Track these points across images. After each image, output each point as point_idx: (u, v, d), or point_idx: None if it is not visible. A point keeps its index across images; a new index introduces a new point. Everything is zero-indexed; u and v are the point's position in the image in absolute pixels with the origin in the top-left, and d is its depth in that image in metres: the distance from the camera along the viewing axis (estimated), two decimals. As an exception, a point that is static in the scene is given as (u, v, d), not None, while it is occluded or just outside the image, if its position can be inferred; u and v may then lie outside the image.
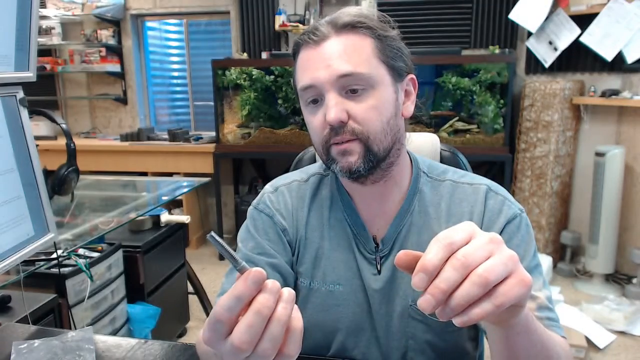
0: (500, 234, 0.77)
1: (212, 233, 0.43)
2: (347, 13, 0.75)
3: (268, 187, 0.91)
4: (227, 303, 0.41)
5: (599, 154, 3.02)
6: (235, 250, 0.85)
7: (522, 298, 0.44)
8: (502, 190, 0.83)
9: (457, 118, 3.25)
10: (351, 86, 0.73)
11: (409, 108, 0.80)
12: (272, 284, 0.43)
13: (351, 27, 0.74)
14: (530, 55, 3.45)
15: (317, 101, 0.76)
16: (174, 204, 3.80)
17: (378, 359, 0.83)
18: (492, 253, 0.43)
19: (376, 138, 0.74)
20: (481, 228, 0.78)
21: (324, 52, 0.74)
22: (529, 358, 0.59)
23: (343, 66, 0.72)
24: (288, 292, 0.44)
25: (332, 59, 0.73)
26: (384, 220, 0.82)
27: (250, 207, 0.89)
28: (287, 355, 0.43)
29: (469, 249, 0.43)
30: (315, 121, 0.76)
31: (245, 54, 3.77)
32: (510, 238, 0.77)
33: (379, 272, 0.81)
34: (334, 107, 0.72)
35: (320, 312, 0.84)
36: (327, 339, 0.84)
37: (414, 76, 0.81)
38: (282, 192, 0.88)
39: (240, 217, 3.81)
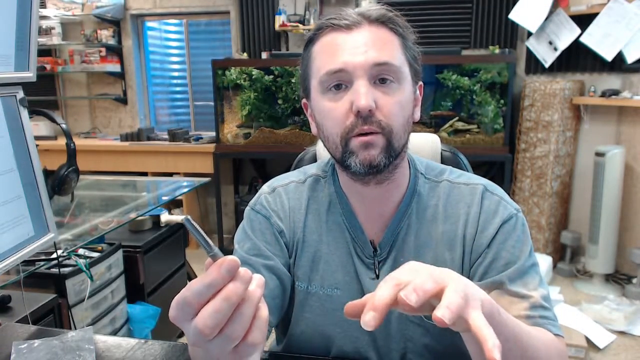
0: (496, 234, 0.77)
1: (188, 217, 0.43)
2: (376, 8, 0.75)
3: (265, 187, 0.89)
4: (198, 288, 0.41)
5: (599, 154, 3.02)
6: (232, 251, 0.85)
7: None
8: (498, 190, 0.82)
9: (457, 118, 3.25)
10: (382, 75, 0.72)
11: (417, 113, 0.80)
12: (244, 272, 0.42)
13: (382, 22, 0.74)
14: (530, 55, 3.45)
15: (340, 87, 0.73)
16: (174, 204, 3.80)
17: None
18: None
19: (397, 133, 0.73)
20: (477, 228, 0.78)
21: (359, 38, 0.72)
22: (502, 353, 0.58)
23: (380, 54, 0.71)
24: (259, 277, 0.44)
25: (368, 45, 0.72)
26: (381, 224, 0.82)
27: (247, 208, 0.88)
28: (251, 343, 0.43)
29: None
30: (337, 109, 0.73)
31: (245, 54, 3.77)
32: (506, 239, 0.77)
33: (377, 276, 0.80)
34: (366, 94, 0.70)
35: (318, 316, 0.83)
36: (326, 343, 0.83)
37: (422, 83, 0.81)
38: (279, 193, 0.87)
39: (240, 217, 3.81)
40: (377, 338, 0.82)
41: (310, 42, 0.78)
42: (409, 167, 0.84)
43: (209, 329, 0.40)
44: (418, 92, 0.81)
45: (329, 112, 0.74)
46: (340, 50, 0.73)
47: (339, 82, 0.73)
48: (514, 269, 0.74)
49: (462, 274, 0.77)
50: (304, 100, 0.84)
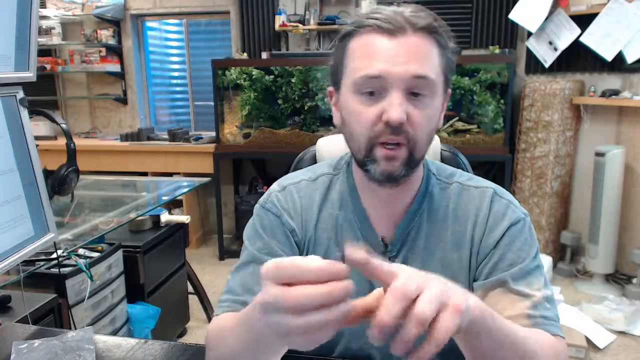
0: (503, 236, 0.78)
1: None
2: (425, 15, 0.73)
3: (275, 185, 0.89)
4: (299, 265, 0.46)
5: (599, 154, 3.02)
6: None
7: (459, 324, 0.48)
8: (507, 194, 0.84)
9: (457, 118, 3.25)
10: (416, 89, 0.71)
11: (441, 120, 0.81)
12: (346, 286, 0.47)
13: (427, 30, 0.72)
14: (530, 55, 3.45)
15: (374, 94, 0.72)
16: (174, 204, 3.80)
17: (383, 357, 0.83)
18: (421, 289, 0.48)
19: (421, 145, 0.74)
20: (485, 230, 0.79)
21: (402, 47, 0.71)
22: (497, 357, 0.60)
23: (420, 68, 0.70)
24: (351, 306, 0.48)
25: (410, 56, 0.70)
26: (392, 222, 0.82)
27: (257, 205, 0.88)
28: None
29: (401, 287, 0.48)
30: (366, 114, 0.72)
31: (245, 54, 3.77)
32: (512, 241, 0.78)
33: None
34: (400, 107, 0.70)
35: None
36: (332, 341, 0.84)
37: (450, 90, 0.81)
38: (290, 191, 0.87)
39: (240, 217, 3.81)
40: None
41: (348, 35, 0.76)
42: (423, 168, 0.85)
43: (293, 305, 0.45)
44: (445, 99, 0.80)
45: (358, 114, 0.74)
46: (380, 55, 0.71)
47: (373, 90, 0.72)
48: (517, 268, 0.75)
49: (469, 273, 0.79)
50: (330, 89, 0.84)
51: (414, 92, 0.72)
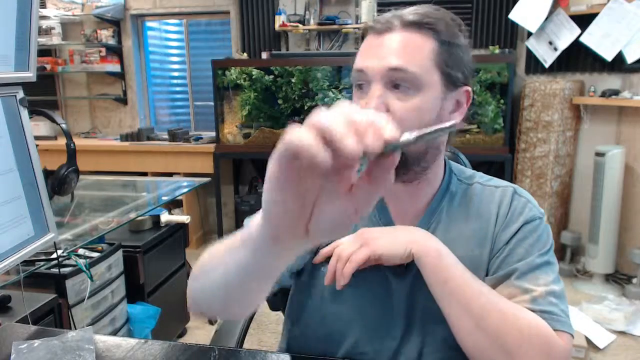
0: (517, 232, 0.80)
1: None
2: (419, 12, 0.76)
3: None
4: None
5: (599, 154, 3.02)
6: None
7: (366, 254, 0.76)
8: (526, 193, 0.86)
9: (457, 118, 3.25)
10: (397, 81, 0.74)
11: (456, 119, 0.80)
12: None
13: (417, 25, 0.75)
14: (530, 55, 3.45)
15: (362, 87, 0.78)
16: (174, 204, 3.80)
17: (392, 354, 0.83)
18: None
19: None
20: (502, 225, 0.82)
21: (384, 43, 0.75)
22: (441, 295, 0.74)
23: (395, 60, 0.73)
24: None
25: (390, 51, 0.74)
26: (412, 218, 0.84)
27: None
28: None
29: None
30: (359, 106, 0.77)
31: (245, 54, 3.77)
32: (525, 237, 0.79)
33: (406, 268, 0.81)
34: (375, 99, 0.73)
35: (341, 303, 0.84)
36: (344, 330, 0.84)
37: (469, 89, 0.80)
38: None
39: (240, 217, 3.81)
40: (397, 329, 0.82)
41: (361, 38, 0.84)
42: (445, 167, 0.86)
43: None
44: (464, 97, 0.80)
45: None
46: (367, 52, 0.77)
47: (362, 83, 0.78)
48: (524, 263, 0.77)
49: (487, 269, 0.81)
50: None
51: (395, 84, 0.74)
